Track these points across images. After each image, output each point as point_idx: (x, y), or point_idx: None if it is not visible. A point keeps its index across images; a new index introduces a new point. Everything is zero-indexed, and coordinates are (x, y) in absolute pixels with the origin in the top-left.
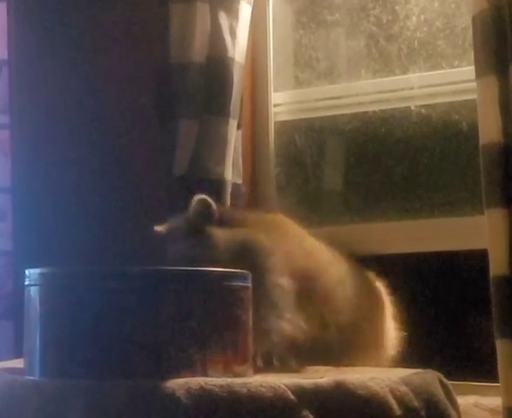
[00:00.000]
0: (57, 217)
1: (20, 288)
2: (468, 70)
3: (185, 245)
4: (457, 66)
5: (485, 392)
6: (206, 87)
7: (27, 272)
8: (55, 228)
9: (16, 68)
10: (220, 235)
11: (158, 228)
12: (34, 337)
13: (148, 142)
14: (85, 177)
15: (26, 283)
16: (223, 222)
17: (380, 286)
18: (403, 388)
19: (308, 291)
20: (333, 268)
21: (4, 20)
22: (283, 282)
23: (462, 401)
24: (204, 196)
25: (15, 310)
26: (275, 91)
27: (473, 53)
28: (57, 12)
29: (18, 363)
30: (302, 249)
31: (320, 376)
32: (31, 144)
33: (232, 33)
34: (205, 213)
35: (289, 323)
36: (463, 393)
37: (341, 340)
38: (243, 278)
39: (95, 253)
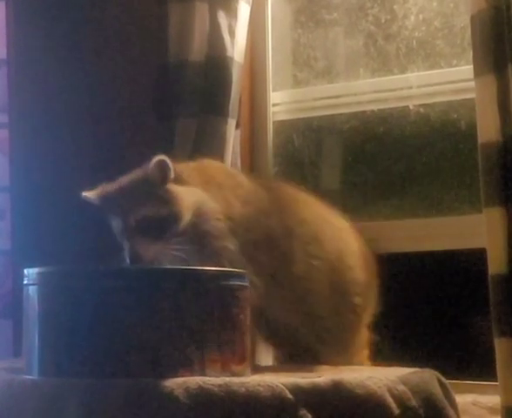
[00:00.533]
0: (56, 216)
1: (19, 287)
2: (466, 70)
3: (148, 205)
4: (456, 65)
5: (483, 390)
6: (205, 86)
7: (25, 271)
8: (53, 227)
9: (14, 67)
10: (181, 192)
11: (89, 193)
12: (32, 336)
13: (147, 141)
14: (84, 176)
15: (25, 282)
16: (185, 177)
17: (346, 226)
18: (401, 387)
19: (251, 241)
20: (280, 213)
21: (3, 19)
22: (228, 245)
23: (461, 399)
24: (162, 157)
25: (14, 309)
26: (274, 90)
27: (471, 52)
28: (55, 11)
29: (17, 362)
30: (238, 198)
31: (318, 375)
32: (30, 144)
33: (231, 32)
34: (163, 174)
35: None
36: (461, 391)
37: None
38: (240, 277)
39: (93, 252)
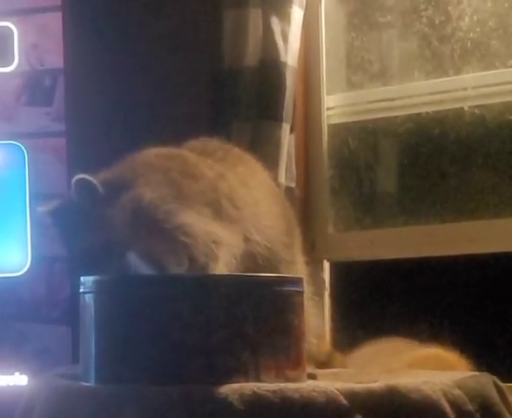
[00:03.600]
0: None
1: (76, 293)
2: None
3: (80, 237)
4: (511, 66)
5: None
6: (259, 91)
7: (82, 279)
8: None
9: (71, 76)
10: (110, 213)
11: (44, 208)
12: (89, 343)
13: None
14: None
15: (81, 290)
16: (113, 189)
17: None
18: (457, 392)
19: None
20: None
21: (60, 29)
22: (185, 220)
23: None
24: (82, 175)
25: (72, 315)
26: (328, 93)
27: None
28: (111, 20)
29: (76, 368)
30: (186, 175)
31: (373, 380)
32: (87, 152)
33: (285, 37)
34: (87, 194)
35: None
36: None
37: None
38: (295, 283)
39: None
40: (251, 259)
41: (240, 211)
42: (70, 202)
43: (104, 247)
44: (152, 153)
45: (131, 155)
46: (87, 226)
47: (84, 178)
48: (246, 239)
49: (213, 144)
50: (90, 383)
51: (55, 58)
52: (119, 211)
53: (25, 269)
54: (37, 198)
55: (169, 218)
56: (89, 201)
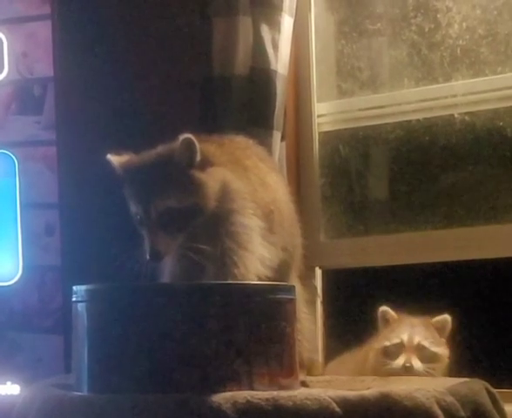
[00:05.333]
0: (104, 232)
1: (69, 303)
2: (511, 77)
3: (171, 195)
4: (500, 73)
5: None
6: (250, 100)
7: (74, 288)
8: (102, 243)
9: (61, 85)
10: (207, 177)
11: (114, 159)
12: (82, 353)
13: None
14: None
15: (73, 299)
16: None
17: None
18: (449, 398)
19: (271, 223)
20: (282, 192)
21: (49, 37)
22: (249, 222)
23: (510, 408)
24: (189, 135)
25: (64, 324)
26: (318, 101)
27: None
28: (101, 29)
29: (68, 378)
30: (264, 184)
31: (366, 387)
32: (78, 160)
33: (275, 46)
34: (190, 155)
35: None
36: (510, 401)
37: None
38: (287, 290)
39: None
40: (280, 267)
41: (283, 222)
42: (169, 158)
43: (187, 210)
44: (240, 145)
45: (227, 138)
46: (178, 186)
47: (190, 138)
48: (284, 250)
49: (257, 146)
50: (83, 393)
51: (45, 67)
52: (212, 180)
53: (16, 278)
54: (27, 206)
55: (241, 213)
56: (187, 161)
